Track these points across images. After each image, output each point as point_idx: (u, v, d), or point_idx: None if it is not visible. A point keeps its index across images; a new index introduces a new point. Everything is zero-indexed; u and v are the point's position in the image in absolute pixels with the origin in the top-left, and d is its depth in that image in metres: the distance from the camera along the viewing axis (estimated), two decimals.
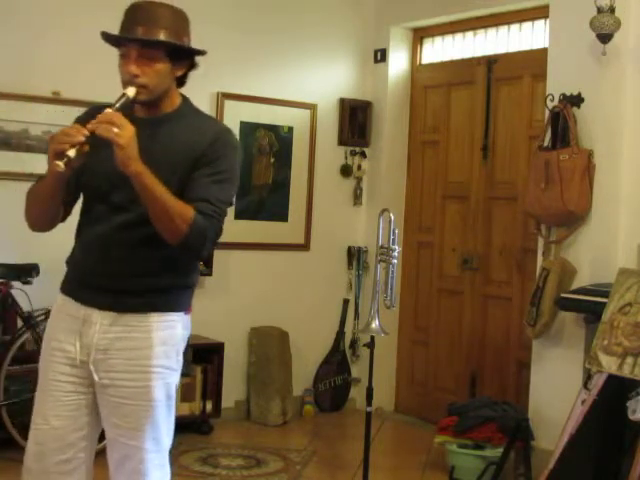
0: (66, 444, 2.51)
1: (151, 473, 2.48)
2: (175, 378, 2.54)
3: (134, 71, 2.39)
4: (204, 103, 5.42)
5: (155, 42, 2.39)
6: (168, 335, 2.51)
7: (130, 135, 2.29)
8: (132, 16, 2.42)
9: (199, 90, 5.48)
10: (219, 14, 5.47)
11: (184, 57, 2.50)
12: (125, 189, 2.39)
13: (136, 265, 2.46)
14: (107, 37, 2.46)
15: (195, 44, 6.17)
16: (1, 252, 4.64)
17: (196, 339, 5.37)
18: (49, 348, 2.54)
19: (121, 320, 2.47)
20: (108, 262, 2.47)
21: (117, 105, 2.36)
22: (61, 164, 2.26)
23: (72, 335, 2.49)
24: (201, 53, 2.53)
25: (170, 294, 2.51)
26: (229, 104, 5.56)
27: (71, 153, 2.26)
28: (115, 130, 2.27)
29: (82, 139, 2.27)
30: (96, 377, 2.47)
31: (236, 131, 5.63)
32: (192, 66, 2.55)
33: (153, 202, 2.32)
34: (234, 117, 5.59)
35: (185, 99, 2.59)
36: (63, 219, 2.58)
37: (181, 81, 2.56)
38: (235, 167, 2.51)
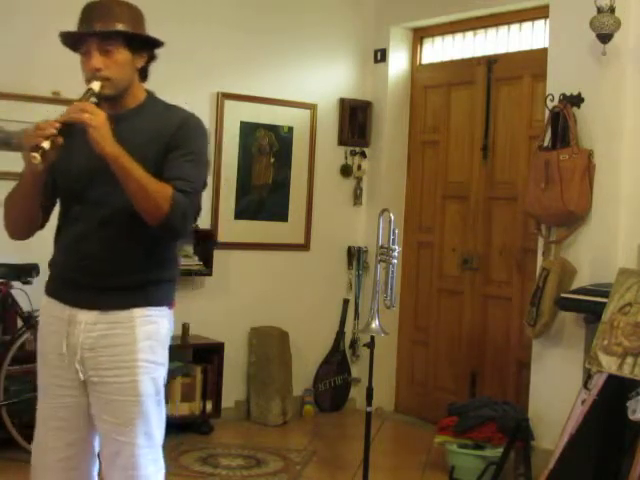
0: (65, 443, 2.55)
1: (144, 467, 2.50)
2: (162, 372, 2.57)
3: (97, 64, 2.44)
4: (204, 103, 5.42)
5: (113, 32, 2.45)
6: (152, 330, 2.53)
7: (102, 118, 2.35)
8: (88, 14, 2.49)
9: (199, 90, 5.53)
10: (219, 14, 5.47)
11: (143, 47, 2.54)
12: (99, 186, 2.46)
13: (117, 261, 2.49)
14: (66, 37, 2.52)
15: (195, 44, 6.20)
16: (1, 252, 4.63)
17: (196, 339, 5.38)
18: (42, 352, 2.60)
19: (105, 318, 2.49)
20: (89, 260, 2.49)
21: (83, 99, 2.42)
22: (37, 155, 2.30)
23: (59, 336, 2.53)
24: (159, 43, 2.58)
25: (152, 289, 2.53)
26: (229, 104, 5.56)
27: (45, 145, 2.30)
28: (86, 115, 2.33)
29: (54, 131, 2.32)
30: (82, 376, 2.51)
31: (236, 131, 5.63)
32: (152, 57, 2.60)
33: (132, 182, 2.36)
34: (234, 117, 5.59)
35: (150, 93, 2.62)
36: (42, 225, 2.62)
37: (144, 75, 2.60)
38: (205, 149, 2.57)
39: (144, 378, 2.50)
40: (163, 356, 2.57)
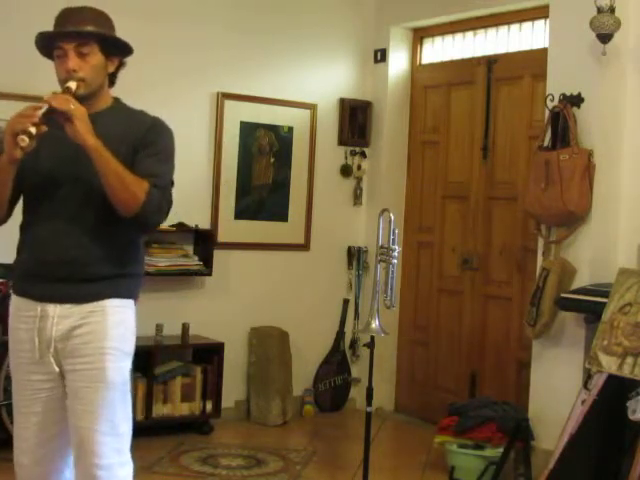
0: (48, 436, 2.63)
1: (106, 457, 2.54)
2: (128, 363, 2.65)
3: (72, 66, 2.57)
4: (204, 103, 5.43)
5: (91, 33, 2.58)
6: (123, 319, 2.63)
7: (84, 111, 2.47)
8: (63, 19, 2.63)
9: (199, 90, 5.53)
10: (219, 14, 5.47)
11: (116, 52, 2.67)
12: (68, 182, 2.55)
13: (89, 254, 2.57)
14: (43, 39, 2.64)
15: (195, 44, 6.20)
16: (1, 252, 4.63)
17: (196, 339, 5.38)
18: (14, 350, 2.66)
19: (77, 309, 2.57)
20: (63, 254, 2.56)
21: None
22: (25, 138, 2.36)
23: (30, 334, 2.59)
24: (130, 49, 2.69)
25: (122, 281, 2.63)
26: (229, 104, 5.56)
27: (32, 130, 2.37)
28: (72, 106, 2.45)
29: (40, 114, 2.40)
30: (56, 368, 2.59)
31: (236, 131, 5.63)
32: (121, 64, 2.72)
33: (111, 173, 2.47)
34: (234, 117, 5.59)
35: (116, 99, 2.74)
36: (4, 220, 2.66)
37: (112, 80, 2.73)
38: (173, 150, 2.69)
39: (113, 366, 2.58)
40: (131, 347, 2.67)
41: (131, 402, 2.67)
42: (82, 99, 2.55)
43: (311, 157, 5.94)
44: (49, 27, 4.15)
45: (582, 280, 4.47)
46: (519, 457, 4.36)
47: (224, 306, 5.57)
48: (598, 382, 3.75)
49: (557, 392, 4.50)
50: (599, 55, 4.37)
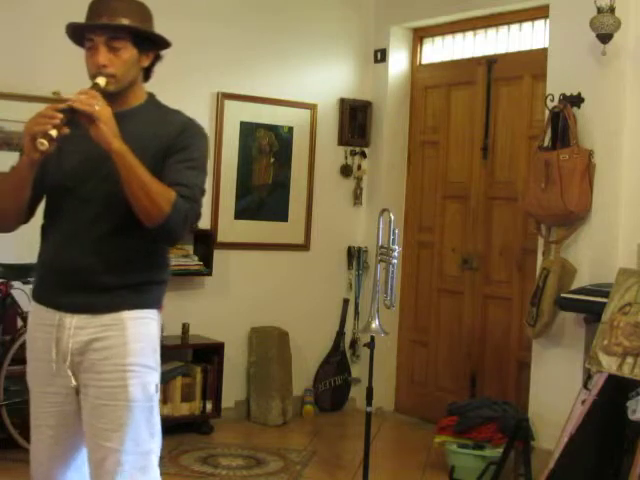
0: (63, 450, 2.52)
1: (129, 476, 2.41)
2: (154, 377, 2.48)
3: (102, 61, 2.40)
4: (204, 103, 5.43)
5: (122, 26, 2.41)
6: (143, 332, 2.46)
7: (110, 112, 2.30)
8: (95, 9, 2.44)
9: (199, 90, 5.53)
10: (219, 14, 5.47)
11: (150, 46, 2.51)
12: (92, 182, 2.40)
13: (108, 260, 2.42)
14: (73, 30, 2.47)
15: (195, 43, 6.19)
16: (1, 252, 4.63)
17: (196, 339, 5.38)
18: (32, 359, 2.54)
19: (94, 321, 2.42)
20: (79, 259, 2.42)
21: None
22: (44, 141, 2.22)
23: (48, 343, 2.46)
24: (167, 43, 2.54)
25: (143, 290, 2.47)
26: (229, 104, 5.56)
27: (53, 133, 2.23)
28: (96, 107, 2.27)
29: (61, 116, 2.24)
30: (73, 382, 2.45)
31: (236, 131, 5.63)
32: (158, 57, 2.56)
33: (136, 181, 2.29)
34: (234, 117, 5.59)
35: (150, 95, 2.58)
36: (26, 220, 2.53)
37: (147, 75, 2.57)
38: (206, 155, 2.53)
39: (134, 382, 2.42)
40: (154, 360, 2.49)
41: (159, 416, 2.50)
42: (112, 95, 2.40)
43: (311, 157, 5.94)
44: (50, 27, 4.15)
45: (582, 280, 4.47)
46: (519, 457, 4.36)
47: (224, 306, 5.57)
48: (598, 382, 3.76)
49: (557, 392, 4.50)
50: (599, 55, 4.37)
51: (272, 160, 5.80)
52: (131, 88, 2.49)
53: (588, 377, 3.87)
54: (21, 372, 4.49)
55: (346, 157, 6.09)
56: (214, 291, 5.53)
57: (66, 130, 2.26)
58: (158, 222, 2.33)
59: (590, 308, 4.19)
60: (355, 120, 6.06)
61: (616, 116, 4.53)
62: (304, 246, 5.96)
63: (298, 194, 5.90)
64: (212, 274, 5.42)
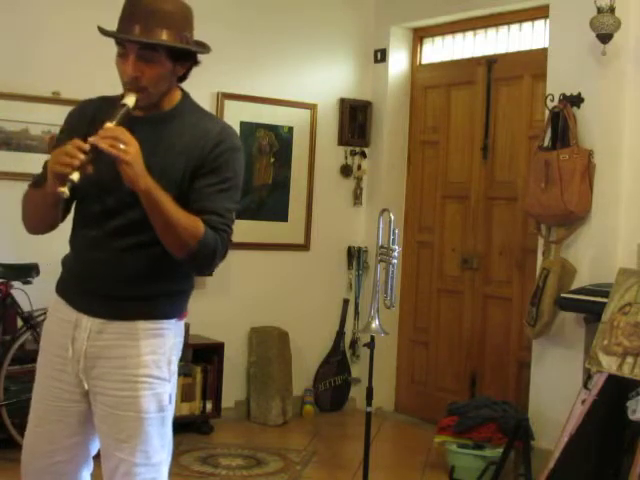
0: (59, 447, 2.45)
1: None
2: (167, 388, 2.42)
3: (133, 73, 2.26)
4: (204, 103, 5.37)
5: (155, 44, 2.24)
6: (157, 343, 2.40)
7: (136, 151, 2.18)
8: (131, 11, 2.27)
9: (199, 90, 5.49)
10: (219, 14, 5.46)
11: (187, 57, 2.37)
12: (117, 193, 2.32)
13: (126, 270, 2.37)
14: (104, 33, 2.33)
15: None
16: (1, 252, 4.64)
17: (196, 339, 5.38)
18: (46, 352, 2.48)
19: (110, 327, 2.38)
20: (98, 266, 2.39)
21: (118, 118, 2.23)
22: (66, 191, 2.13)
23: (65, 339, 2.42)
24: (205, 51, 2.41)
25: (163, 300, 2.42)
26: (229, 104, 5.56)
27: (75, 177, 2.13)
28: (121, 146, 2.15)
29: (83, 158, 2.14)
30: (85, 385, 2.41)
31: (236, 131, 5.62)
32: (195, 63, 2.43)
33: (161, 217, 2.23)
34: (234, 117, 5.58)
35: (185, 94, 2.48)
36: (63, 218, 2.45)
37: (182, 77, 2.44)
38: (240, 171, 2.42)
39: (146, 394, 2.36)
40: (169, 371, 2.42)
41: (171, 426, 2.44)
42: (143, 106, 2.30)
43: (311, 157, 5.94)
44: (49, 27, 4.15)
45: (582, 280, 4.47)
46: (519, 457, 4.36)
47: (224, 306, 5.57)
48: (598, 382, 3.75)
49: (557, 392, 4.50)
50: (599, 55, 4.37)
51: (272, 160, 5.80)
52: (164, 95, 2.38)
53: (588, 377, 3.87)
54: (21, 372, 4.53)
55: (346, 157, 6.09)
56: (214, 291, 5.53)
57: (90, 170, 2.17)
58: (184, 256, 2.29)
59: (590, 308, 4.19)
60: (355, 120, 6.06)
61: (616, 116, 4.53)
62: (304, 246, 5.96)
63: (298, 194, 5.90)
64: (212, 274, 5.40)
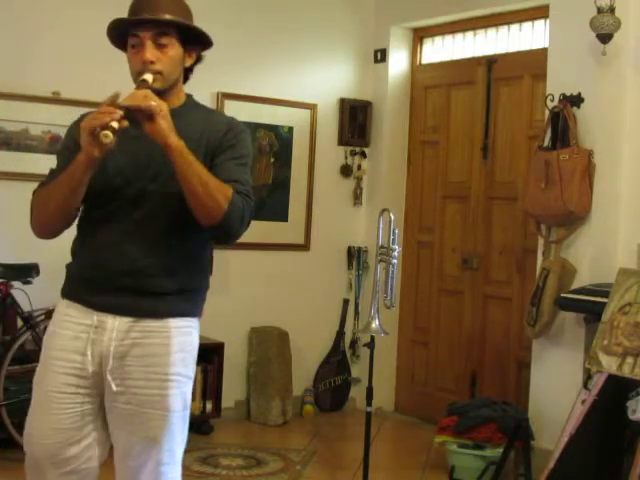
0: (68, 457, 2.40)
1: None
2: (190, 386, 2.45)
3: (150, 57, 2.36)
4: (204, 103, 5.40)
5: (169, 21, 2.40)
6: (186, 342, 2.42)
7: (166, 107, 2.26)
8: (139, 6, 2.42)
9: (199, 90, 5.50)
10: (219, 14, 5.45)
11: (195, 44, 2.51)
12: (139, 182, 2.35)
13: (158, 262, 2.36)
14: (119, 23, 2.42)
15: None
16: (1, 252, 4.64)
17: None
18: (49, 358, 2.42)
19: (138, 325, 2.37)
20: (128, 260, 2.36)
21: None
22: (109, 133, 2.17)
23: (81, 343, 2.37)
24: (210, 41, 2.54)
25: (190, 297, 2.45)
26: (229, 104, 5.56)
27: (115, 124, 2.18)
28: (154, 103, 2.23)
29: (121, 112, 2.19)
30: (114, 387, 2.36)
31: None
32: (199, 58, 2.56)
33: (194, 177, 2.25)
34: (234, 117, 5.58)
35: (189, 96, 2.59)
36: (71, 224, 2.46)
37: (186, 76, 2.56)
38: (251, 153, 2.51)
39: (175, 392, 2.37)
40: (193, 370, 2.45)
41: (187, 424, 2.46)
42: (157, 94, 2.31)
43: (311, 157, 5.94)
44: (49, 27, 4.16)
45: (582, 280, 4.47)
46: (519, 457, 4.36)
47: (224, 306, 5.56)
48: (598, 382, 3.76)
49: (557, 392, 4.50)
50: (599, 55, 4.37)
51: (272, 160, 5.80)
52: (174, 88, 2.47)
53: (588, 377, 3.87)
54: (21, 372, 4.53)
55: (346, 157, 6.09)
56: (214, 291, 5.42)
57: (125, 123, 2.21)
58: (217, 219, 2.29)
59: (590, 308, 4.19)
60: (355, 120, 6.06)
61: (616, 116, 4.53)
62: (304, 246, 5.96)
63: (298, 194, 5.90)
64: (212, 274, 5.40)
